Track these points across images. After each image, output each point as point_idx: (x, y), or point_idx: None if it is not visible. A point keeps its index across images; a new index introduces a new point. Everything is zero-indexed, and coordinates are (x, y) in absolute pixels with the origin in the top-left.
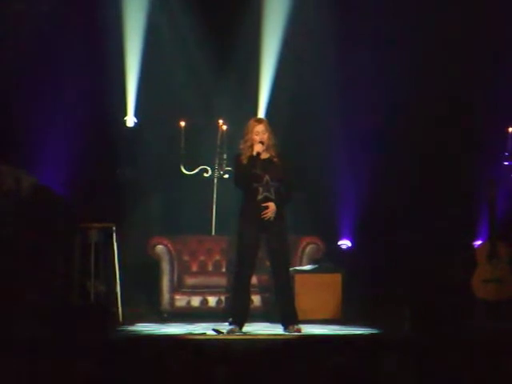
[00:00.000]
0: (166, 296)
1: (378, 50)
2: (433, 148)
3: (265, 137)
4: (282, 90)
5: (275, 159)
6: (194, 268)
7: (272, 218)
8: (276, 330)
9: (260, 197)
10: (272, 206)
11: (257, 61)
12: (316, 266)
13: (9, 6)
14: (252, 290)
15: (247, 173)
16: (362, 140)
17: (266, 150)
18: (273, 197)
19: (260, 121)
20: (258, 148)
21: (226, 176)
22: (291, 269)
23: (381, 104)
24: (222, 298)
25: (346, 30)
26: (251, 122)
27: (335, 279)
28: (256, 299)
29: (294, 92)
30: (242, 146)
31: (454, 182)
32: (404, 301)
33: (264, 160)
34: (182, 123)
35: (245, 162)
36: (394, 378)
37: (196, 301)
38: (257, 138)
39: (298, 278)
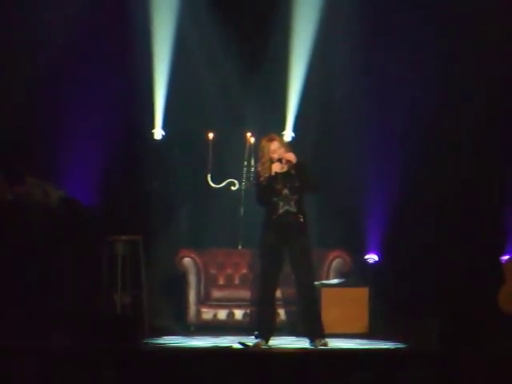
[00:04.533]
0: (192, 309)
1: (408, 57)
2: (461, 162)
3: (281, 152)
4: (311, 102)
5: (292, 171)
6: (221, 281)
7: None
8: (302, 343)
9: (281, 211)
10: (292, 155)
11: (285, 72)
12: (343, 280)
13: (38, 16)
14: (277, 303)
15: (267, 191)
16: (391, 153)
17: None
18: (294, 210)
19: (272, 138)
20: (276, 168)
21: (254, 189)
22: (318, 283)
23: (410, 116)
24: (249, 311)
25: (374, 36)
26: (264, 142)
27: (362, 293)
28: (282, 313)
29: (322, 104)
30: (259, 168)
31: (483, 196)
32: (431, 315)
33: (282, 174)
34: (210, 135)
35: (264, 182)
36: None
37: (222, 314)
38: (275, 156)
39: (324, 292)
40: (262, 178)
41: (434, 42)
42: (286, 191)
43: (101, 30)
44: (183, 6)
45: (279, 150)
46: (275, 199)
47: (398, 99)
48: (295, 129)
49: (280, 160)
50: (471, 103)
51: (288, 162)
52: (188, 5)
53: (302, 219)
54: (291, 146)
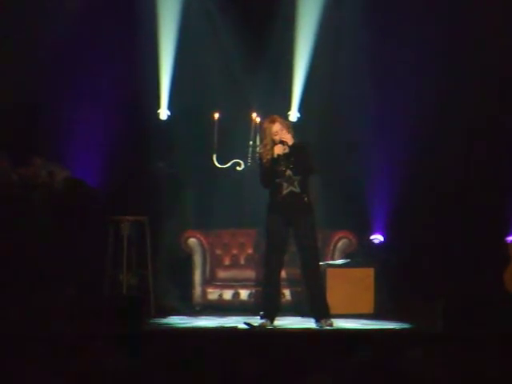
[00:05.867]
0: (198, 289)
1: (415, 45)
2: (466, 145)
3: (283, 133)
4: (316, 83)
5: (295, 151)
6: (227, 261)
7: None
8: (307, 324)
9: (285, 192)
10: (289, 136)
11: (291, 53)
12: (348, 260)
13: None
14: (283, 283)
15: (270, 173)
16: (397, 135)
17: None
18: (298, 190)
19: (273, 120)
20: (278, 150)
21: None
22: (323, 263)
23: (416, 100)
24: (254, 291)
25: (381, 23)
26: (265, 124)
27: (367, 273)
28: (287, 293)
29: (327, 85)
30: (261, 150)
31: (488, 177)
32: (437, 296)
33: (285, 155)
34: (216, 116)
35: (267, 164)
36: (423, 372)
37: (228, 294)
38: (276, 137)
39: (330, 272)
40: (264, 160)
41: (442, 37)
42: (289, 172)
43: (107, 14)
44: None
45: (281, 132)
46: (278, 180)
47: (404, 81)
48: (301, 109)
49: (282, 142)
50: (477, 98)
51: (285, 142)
52: None
53: (306, 199)
54: (294, 127)
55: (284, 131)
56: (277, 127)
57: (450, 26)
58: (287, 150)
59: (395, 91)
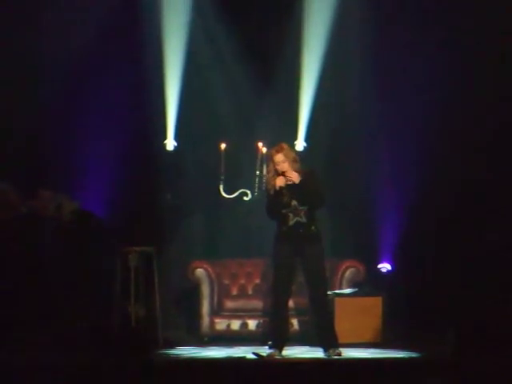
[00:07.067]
0: (205, 319)
1: (422, 63)
2: (475, 166)
3: (285, 166)
4: (323, 112)
5: (300, 182)
6: (234, 291)
7: (297, 181)
8: (316, 353)
9: (291, 222)
10: (295, 174)
11: (297, 83)
12: (356, 289)
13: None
14: (290, 313)
15: (275, 203)
16: (407, 163)
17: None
18: (304, 220)
19: (279, 149)
20: (279, 182)
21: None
22: (331, 292)
23: (424, 127)
24: (262, 321)
25: (388, 45)
26: (271, 151)
27: (375, 303)
28: (295, 323)
29: (334, 114)
30: (267, 176)
31: (499, 203)
32: (446, 325)
33: (288, 186)
34: (222, 146)
35: (272, 192)
36: None
37: (236, 324)
38: (278, 168)
39: (338, 301)
40: (269, 186)
41: (448, 41)
42: (294, 203)
43: (113, 43)
44: (195, 17)
45: (283, 164)
46: (285, 211)
47: (413, 108)
48: (307, 138)
49: (283, 173)
50: (485, 102)
51: (292, 173)
52: (199, 16)
53: (313, 229)
54: (300, 157)
55: (286, 164)
56: (279, 158)
57: (463, 42)
58: (290, 182)
59: (403, 120)
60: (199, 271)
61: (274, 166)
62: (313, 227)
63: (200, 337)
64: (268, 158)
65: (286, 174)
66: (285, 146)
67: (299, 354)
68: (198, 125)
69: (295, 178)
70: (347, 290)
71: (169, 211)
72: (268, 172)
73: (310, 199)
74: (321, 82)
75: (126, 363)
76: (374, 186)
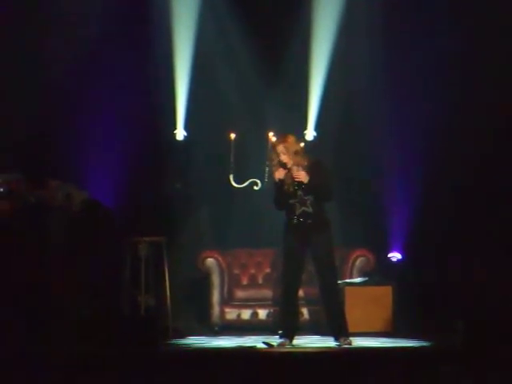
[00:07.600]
0: (216, 309)
1: (433, 62)
2: (485, 160)
3: (285, 158)
4: (332, 101)
5: (306, 171)
6: (244, 281)
7: (305, 181)
8: (326, 342)
9: (298, 212)
10: (303, 174)
11: (307, 72)
12: (366, 278)
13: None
14: (301, 302)
15: (280, 194)
16: (416, 152)
17: (294, 165)
18: (310, 210)
19: (281, 141)
20: (278, 175)
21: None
22: (341, 281)
23: (435, 117)
24: (272, 310)
25: (397, 36)
26: (274, 141)
27: (386, 292)
28: (305, 312)
29: (344, 103)
30: (271, 166)
31: (509, 197)
32: (456, 314)
33: (290, 177)
34: (232, 135)
35: (278, 183)
36: None
37: (246, 314)
38: (278, 159)
39: (348, 290)
40: (275, 174)
41: (459, 35)
42: (299, 193)
43: (122, 32)
44: (205, 8)
45: (283, 155)
46: (292, 201)
47: (423, 98)
48: (317, 127)
49: (283, 165)
50: (493, 98)
51: (295, 164)
52: (209, 7)
53: (320, 218)
54: (307, 148)
55: (286, 156)
56: (280, 149)
57: (469, 44)
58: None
59: (414, 108)
60: (209, 261)
61: (277, 156)
62: (320, 216)
63: (210, 326)
64: (271, 148)
65: (295, 176)
66: (289, 137)
67: (310, 343)
68: (208, 115)
69: (303, 177)
70: (357, 279)
71: (179, 201)
72: (271, 159)
73: (317, 193)
74: (330, 72)
75: (135, 353)
76: (384, 175)
